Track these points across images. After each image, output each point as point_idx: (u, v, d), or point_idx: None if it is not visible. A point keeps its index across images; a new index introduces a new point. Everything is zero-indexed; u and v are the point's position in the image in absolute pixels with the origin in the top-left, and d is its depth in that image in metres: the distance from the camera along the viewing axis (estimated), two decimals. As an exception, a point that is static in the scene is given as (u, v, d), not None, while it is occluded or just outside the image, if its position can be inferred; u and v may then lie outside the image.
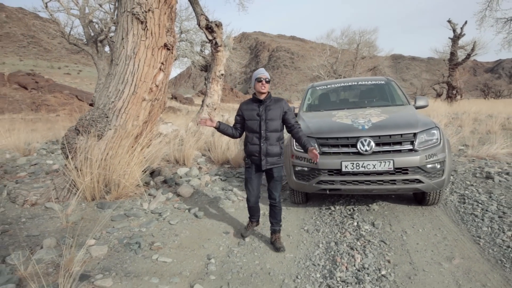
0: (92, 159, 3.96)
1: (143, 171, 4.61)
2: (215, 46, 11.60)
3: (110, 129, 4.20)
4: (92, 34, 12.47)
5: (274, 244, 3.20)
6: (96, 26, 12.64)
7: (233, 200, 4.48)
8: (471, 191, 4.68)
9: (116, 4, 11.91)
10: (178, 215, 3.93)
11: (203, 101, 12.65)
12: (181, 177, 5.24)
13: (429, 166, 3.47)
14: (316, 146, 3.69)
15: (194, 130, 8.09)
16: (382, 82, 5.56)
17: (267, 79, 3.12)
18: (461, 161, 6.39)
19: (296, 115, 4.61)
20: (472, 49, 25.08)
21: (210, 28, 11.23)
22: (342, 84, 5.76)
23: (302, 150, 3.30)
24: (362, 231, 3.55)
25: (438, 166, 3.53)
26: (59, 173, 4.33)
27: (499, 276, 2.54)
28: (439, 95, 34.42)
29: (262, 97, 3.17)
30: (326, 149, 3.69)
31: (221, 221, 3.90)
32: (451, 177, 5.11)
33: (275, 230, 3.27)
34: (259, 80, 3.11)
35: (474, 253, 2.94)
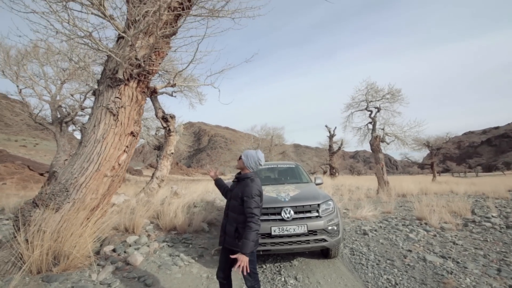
0: (46, 231, 3.21)
1: (94, 241, 3.84)
2: (168, 131, 11.47)
3: (69, 202, 3.55)
4: (59, 116, 11.28)
5: None
6: (64, 110, 11.56)
7: (179, 265, 3.90)
8: (356, 245, 4.99)
9: (86, 95, 11.30)
10: (128, 285, 3.24)
11: (153, 174, 11.81)
12: (130, 245, 4.43)
13: (329, 228, 3.67)
14: None
15: (145, 200, 7.29)
16: (293, 165, 6.01)
17: (240, 156, 2.56)
18: (346, 222, 6.85)
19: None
20: (341, 144, 29.54)
21: (165, 118, 11.30)
22: (267, 166, 6.03)
23: None
24: (288, 285, 3.40)
25: (335, 228, 3.75)
26: (5, 246, 3.35)
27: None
28: (324, 172, 38.29)
29: (239, 173, 2.56)
30: (258, 217, 3.66)
31: None
32: (343, 234, 5.43)
33: None
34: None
35: (369, 297, 3.01)
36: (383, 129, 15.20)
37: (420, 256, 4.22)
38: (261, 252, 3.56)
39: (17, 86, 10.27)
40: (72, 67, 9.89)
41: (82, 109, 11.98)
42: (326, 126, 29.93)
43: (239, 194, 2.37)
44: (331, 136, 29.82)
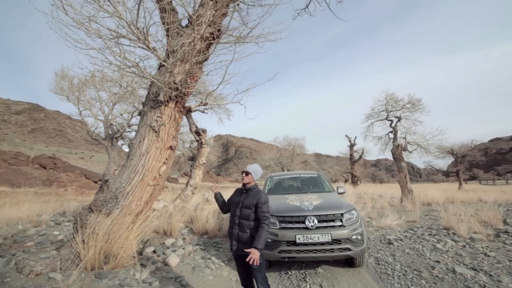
0: (98, 233, 3.44)
1: (137, 242, 4.03)
2: (200, 144, 11.90)
3: (118, 208, 3.78)
4: (110, 132, 12.24)
5: None
6: (114, 127, 12.53)
7: (211, 268, 3.90)
8: (381, 254, 4.65)
9: (133, 115, 12.15)
10: (166, 284, 3.31)
11: (187, 182, 12.23)
12: (168, 247, 4.57)
13: (353, 237, 3.47)
14: (277, 222, 3.59)
15: (180, 206, 7.52)
16: (315, 175, 5.84)
17: (246, 172, 2.68)
18: (370, 231, 6.45)
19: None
20: (362, 153, 28.16)
21: (198, 132, 11.74)
22: (290, 176, 5.94)
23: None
24: (313, 292, 3.26)
25: (360, 237, 3.54)
26: (66, 245, 3.63)
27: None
28: (346, 180, 36.67)
29: (246, 186, 2.68)
30: (284, 225, 3.55)
31: (201, 288, 3.35)
32: (368, 243, 5.12)
33: None
34: (241, 172, 2.76)
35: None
36: (404, 138, 14.34)
37: (449, 267, 3.82)
38: (286, 259, 3.45)
39: (78, 108, 11.37)
40: (121, 92, 10.77)
41: (129, 126, 12.89)
42: (346, 136, 28.82)
43: (253, 202, 2.51)
44: (351, 146, 28.58)
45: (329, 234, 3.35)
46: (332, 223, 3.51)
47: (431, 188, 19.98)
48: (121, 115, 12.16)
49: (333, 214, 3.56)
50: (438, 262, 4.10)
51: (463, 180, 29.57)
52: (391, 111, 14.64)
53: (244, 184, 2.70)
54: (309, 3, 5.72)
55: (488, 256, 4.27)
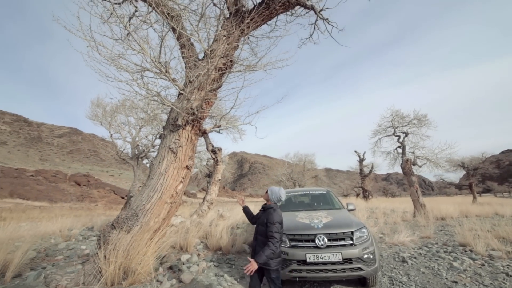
0: (119, 250, 3.43)
1: (155, 258, 3.96)
2: (216, 161, 11.97)
3: (137, 225, 3.79)
4: (136, 152, 12.68)
5: None
6: (140, 148, 12.99)
7: (223, 286, 3.71)
8: (395, 273, 4.26)
9: (157, 137, 12.59)
10: (180, 301, 3.17)
11: (204, 197, 12.22)
12: (183, 263, 4.44)
13: (365, 256, 3.22)
14: (287, 240, 3.42)
15: (197, 221, 7.44)
16: (324, 191, 5.59)
17: (266, 190, 2.76)
18: (383, 248, 5.99)
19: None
20: (372, 167, 27.06)
21: (214, 151, 11.86)
22: (300, 192, 5.75)
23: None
24: (325, 313, 3.00)
25: (371, 256, 3.28)
26: (90, 260, 3.65)
27: None
28: (358, 195, 35.08)
29: (265, 204, 2.74)
30: (294, 243, 3.37)
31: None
32: (380, 262, 4.73)
33: None
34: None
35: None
36: (413, 152, 13.69)
37: (469, 289, 3.43)
38: (297, 279, 3.24)
39: (109, 132, 11.96)
40: (147, 117, 11.26)
41: (153, 146, 13.32)
42: (355, 151, 27.97)
43: (265, 220, 2.55)
44: (361, 160, 27.60)
45: (340, 253, 3.13)
46: (342, 242, 3.30)
47: (444, 201, 18.64)
48: (146, 137, 12.64)
49: (343, 233, 3.35)
50: (456, 282, 3.70)
51: (477, 193, 27.42)
52: (398, 127, 14.18)
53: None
54: (313, 32, 5.86)
55: (510, 276, 3.80)
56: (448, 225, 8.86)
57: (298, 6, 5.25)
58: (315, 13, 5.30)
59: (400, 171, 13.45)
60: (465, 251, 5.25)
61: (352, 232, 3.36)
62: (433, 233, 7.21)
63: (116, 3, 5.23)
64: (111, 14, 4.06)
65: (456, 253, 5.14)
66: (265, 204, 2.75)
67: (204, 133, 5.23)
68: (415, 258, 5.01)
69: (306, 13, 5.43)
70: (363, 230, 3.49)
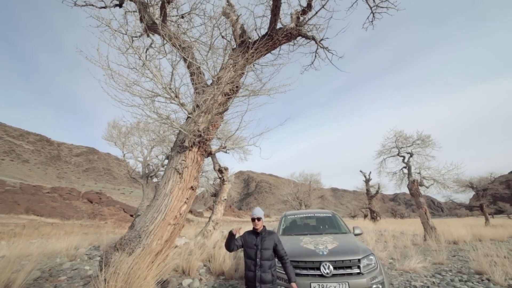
0: (119, 273, 3.27)
1: (156, 282, 3.73)
2: (222, 181, 11.85)
3: (140, 247, 3.64)
4: (147, 171, 12.75)
5: None
6: (150, 167, 13.07)
7: (225, 314, 3.44)
8: (407, 304, 3.87)
9: (167, 157, 12.72)
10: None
11: (210, 217, 11.92)
12: (185, 288, 4.17)
13: (374, 286, 2.94)
14: None
15: (201, 243, 7.16)
16: (330, 214, 5.30)
17: (258, 218, 2.72)
18: (394, 275, 5.50)
19: None
20: (378, 188, 26.09)
21: (221, 170, 11.80)
22: (304, 215, 5.48)
23: (284, 272, 2.74)
24: None
25: (380, 286, 2.98)
26: (91, 283, 3.47)
27: None
28: (365, 216, 33.48)
29: (258, 230, 2.76)
30: (298, 271, 3.11)
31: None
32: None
33: None
34: (252, 219, 2.75)
35: None
36: (419, 173, 13.20)
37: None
38: (302, 310, 2.95)
39: (122, 151, 12.17)
40: (158, 138, 11.49)
41: (163, 166, 13.39)
42: (360, 171, 27.18)
43: (271, 243, 2.65)
44: (367, 181, 26.67)
45: (347, 283, 2.86)
46: (349, 270, 3.04)
47: (455, 223, 17.50)
48: (156, 156, 12.77)
49: (350, 260, 3.09)
50: (476, 318, 3.29)
51: (489, 214, 25.72)
52: (402, 147, 13.88)
53: (254, 228, 2.73)
54: (314, 60, 6.03)
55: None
56: (462, 249, 8.20)
57: (300, 37, 5.47)
58: (316, 42, 5.49)
59: (407, 191, 12.88)
60: (482, 280, 4.77)
61: (359, 260, 3.11)
62: (446, 259, 6.65)
63: (134, 36, 5.61)
64: (129, 47, 4.32)
65: (472, 282, 4.67)
66: (255, 229, 2.78)
67: (209, 154, 5.22)
68: (428, 287, 4.57)
69: (307, 42, 5.64)
70: (371, 257, 3.23)
